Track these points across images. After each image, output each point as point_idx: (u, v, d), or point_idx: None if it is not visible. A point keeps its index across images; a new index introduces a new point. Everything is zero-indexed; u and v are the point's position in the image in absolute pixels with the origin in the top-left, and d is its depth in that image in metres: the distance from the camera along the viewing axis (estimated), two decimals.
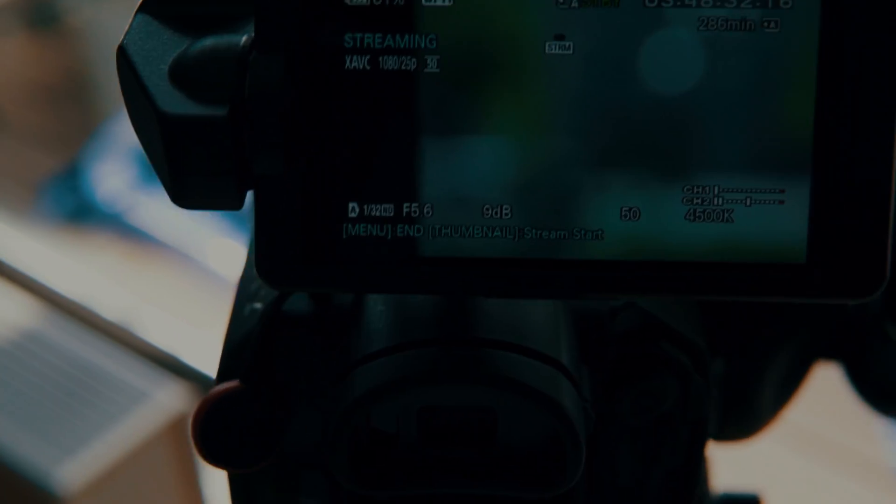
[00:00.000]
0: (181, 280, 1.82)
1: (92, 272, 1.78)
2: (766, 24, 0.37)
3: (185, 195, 0.37)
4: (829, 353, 0.62)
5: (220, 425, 0.43)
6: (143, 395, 1.53)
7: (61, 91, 2.31)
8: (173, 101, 0.36)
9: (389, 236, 0.38)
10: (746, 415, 0.60)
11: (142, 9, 0.40)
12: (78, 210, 2.03)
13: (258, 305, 0.45)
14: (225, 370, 0.44)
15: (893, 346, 0.57)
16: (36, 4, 2.47)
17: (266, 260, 0.38)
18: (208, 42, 0.37)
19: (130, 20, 0.39)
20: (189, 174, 0.36)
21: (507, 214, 0.38)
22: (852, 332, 0.60)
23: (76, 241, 1.96)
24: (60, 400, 1.51)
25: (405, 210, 0.38)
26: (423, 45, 0.37)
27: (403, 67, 0.37)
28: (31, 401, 1.51)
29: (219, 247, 1.88)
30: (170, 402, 1.50)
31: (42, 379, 1.54)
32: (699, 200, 0.38)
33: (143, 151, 0.38)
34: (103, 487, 1.42)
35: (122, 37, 0.38)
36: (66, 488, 1.36)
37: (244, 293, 0.46)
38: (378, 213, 0.38)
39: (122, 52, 0.38)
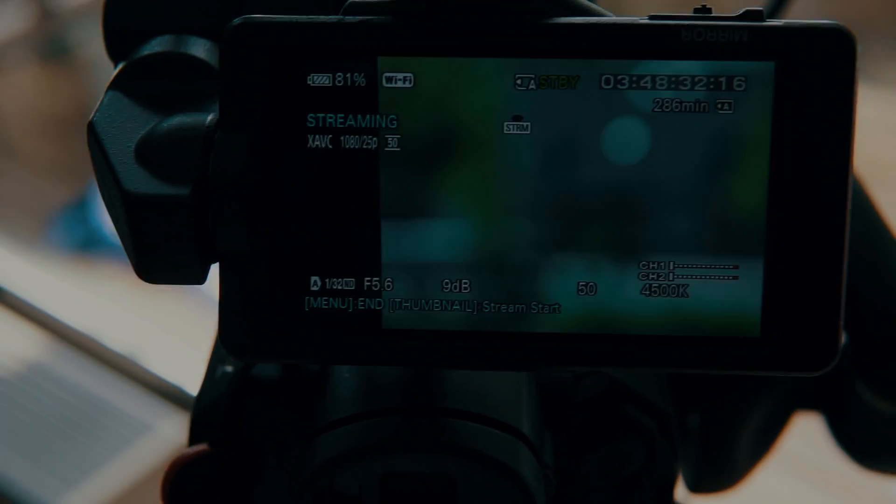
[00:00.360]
0: (188, 311, 1.83)
1: (98, 303, 1.80)
2: (719, 105, 0.38)
3: (149, 270, 0.38)
4: (810, 404, 0.62)
5: (189, 488, 0.43)
6: (147, 427, 1.54)
7: (71, 122, 2.33)
8: (138, 180, 0.37)
9: (351, 309, 0.39)
10: (723, 467, 0.60)
11: (113, 85, 0.41)
12: (86, 240, 2.05)
13: (229, 369, 0.46)
14: (195, 433, 0.45)
15: (867, 404, 0.57)
16: (48, 37, 2.49)
17: (230, 331, 0.39)
18: (174, 121, 0.38)
19: (102, 96, 0.40)
20: (152, 251, 0.37)
21: (465, 289, 0.39)
22: (832, 383, 0.61)
23: (84, 272, 1.97)
24: (63, 431, 1.52)
25: (366, 284, 0.39)
26: (384, 125, 0.38)
27: (365, 146, 0.38)
28: (34, 432, 1.52)
29: None
30: (173, 434, 1.51)
31: (45, 410, 1.55)
32: (654, 276, 0.39)
33: (113, 225, 0.39)
34: None
35: (93, 113, 0.39)
36: None
37: (217, 355, 0.47)
38: (339, 287, 0.39)
39: (91, 128, 0.39)
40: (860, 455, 0.61)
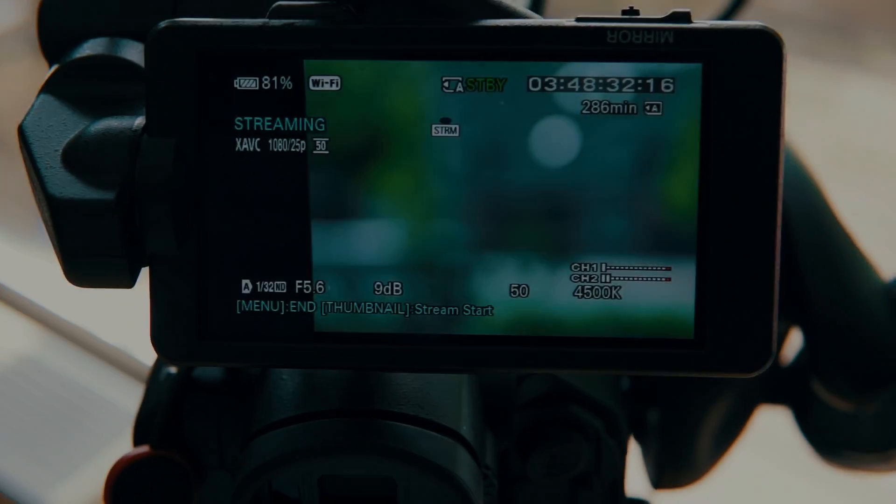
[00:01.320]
0: None
1: (91, 295, 1.80)
2: (648, 107, 0.37)
3: (77, 275, 0.38)
4: (773, 398, 0.62)
5: (131, 490, 0.43)
6: None
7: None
8: (63, 184, 0.37)
9: (283, 312, 0.39)
10: (685, 462, 0.60)
11: (45, 88, 0.41)
12: None
13: (173, 370, 0.46)
14: (138, 435, 0.45)
15: (823, 401, 0.57)
16: None
17: (161, 335, 0.39)
18: (101, 124, 0.38)
19: (34, 100, 0.40)
20: (79, 255, 0.37)
21: (397, 291, 0.39)
22: (796, 377, 0.61)
23: None
24: (54, 423, 1.52)
25: (297, 287, 0.39)
26: (311, 128, 0.38)
27: (293, 149, 0.38)
28: (25, 424, 1.52)
29: None
30: None
31: (36, 402, 1.55)
32: (587, 278, 0.39)
33: (45, 229, 0.39)
34: None
35: (24, 117, 0.39)
36: None
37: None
38: (271, 290, 0.39)
39: (20, 132, 0.39)
40: (822, 449, 0.61)
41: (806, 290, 0.54)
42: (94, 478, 1.43)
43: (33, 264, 1.92)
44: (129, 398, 1.56)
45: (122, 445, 1.48)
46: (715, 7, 0.64)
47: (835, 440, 0.60)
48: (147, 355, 1.61)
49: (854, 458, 0.60)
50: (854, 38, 2.22)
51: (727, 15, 0.63)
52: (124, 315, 1.74)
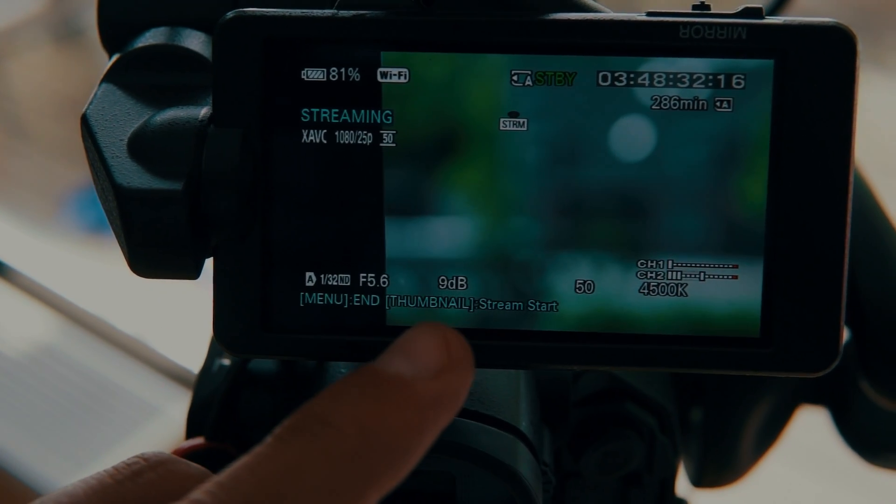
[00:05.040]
0: (198, 294, 1.83)
1: (109, 285, 1.80)
2: (718, 103, 0.37)
3: (142, 265, 0.37)
4: (814, 399, 0.62)
5: None
6: (156, 409, 1.54)
7: (84, 104, 2.33)
8: (130, 174, 0.37)
9: (346, 305, 0.39)
10: (726, 462, 0.60)
11: (107, 77, 0.40)
12: (99, 222, 2.05)
13: (226, 362, 0.46)
14: (192, 426, 0.45)
15: (871, 400, 0.57)
16: (61, 18, 2.49)
17: (224, 327, 0.38)
18: (167, 115, 0.38)
19: (95, 89, 0.40)
20: (145, 245, 0.37)
21: (462, 286, 0.39)
22: (837, 378, 0.60)
23: (95, 254, 1.97)
24: (72, 412, 1.52)
25: (361, 280, 0.39)
26: (379, 121, 0.38)
27: (360, 142, 0.38)
28: (45, 413, 1.52)
29: None
30: (182, 416, 1.51)
31: (55, 392, 1.55)
32: (653, 275, 0.38)
33: (107, 218, 0.39)
34: None
35: (86, 105, 0.39)
36: None
37: (214, 348, 0.47)
38: (335, 283, 0.39)
39: (84, 121, 0.39)
40: (864, 450, 0.61)
41: (857, 289, 0.53)
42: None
43: (51, 253, 1.92)
44: (148, 389, 1.56)
45: (142, 435, 1.49)
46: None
47: (879, 441, 0.60)
48: (163, 346, 1.62)
49: None
50: (874, 37, 2.21)
51: (773, 10, 0.63)
52: (143, 306, 1.74)
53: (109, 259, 1.96)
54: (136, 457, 0.34)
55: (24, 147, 2.27)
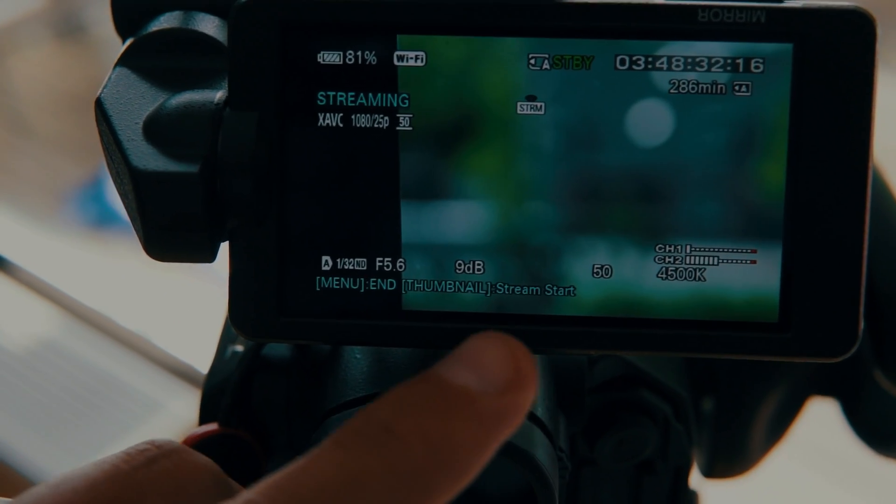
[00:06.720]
0: (200, 289, 1.83)
1: (111, 280, 1.80)
2: (737, 87, 0.37)
3: (158, 248, 0.37)
4: (824, 390, 0.61)
5: None
6: (158, 404, 1.54)
7: (86, 100, 2.33)
8: (146, 157, 0.36)
9: (363, 290, 0.39)
10: (737, 452, 0.60)
11: (121, 62, 0.40)
12: (100, 217, 2.05)
13: (239, 348, 0.45)
14: (205, 412, 0.45)
15: (883, 391, 0.57)
16: (63, 14, 2.49)
17: (239, 311, 0.38)
18: (183, 98, 0.38)
19: (109, 72, 0.40)
20: (161, 228, 0.37)
21: (479, 270, 0.38)
22: (848, 368, 0.60)
23: (97, 249, 1.97)
24: (75, 408, 1.52)
25: (378, 264, 0.38)
26: (395, 104, 0.37)
27: (376, 125, 0.38)
28: (46, 408, 1.52)
29: None
30: (184, 411, 1.51)
31: (57, 387, 1.55)
32: (671, 259, 0.38)
33: (122, 202, 0.39)
34: None
35: (100, 89, 0.39)
36: None
37: (227, 334, 0.47)
38: (351, 267, 0.38)
39: (99, 104, 0.38)
40: (875, 441, 0.61)
41: (870, 278, 0.53)
42: None
43: (52, 248, 1.92)
44: (149, 384, 1.56)
45: (143, 430, 1.49)
46: None
47: (890, 432, 0.60)
48: (165, 341, 1.62)
49: None
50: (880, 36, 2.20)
51: None
52: (144, 301, 1.74)
53: (111, 254, 1.96)
54: (147, 443, 0.33)
55: (25, 143, 2.27)
